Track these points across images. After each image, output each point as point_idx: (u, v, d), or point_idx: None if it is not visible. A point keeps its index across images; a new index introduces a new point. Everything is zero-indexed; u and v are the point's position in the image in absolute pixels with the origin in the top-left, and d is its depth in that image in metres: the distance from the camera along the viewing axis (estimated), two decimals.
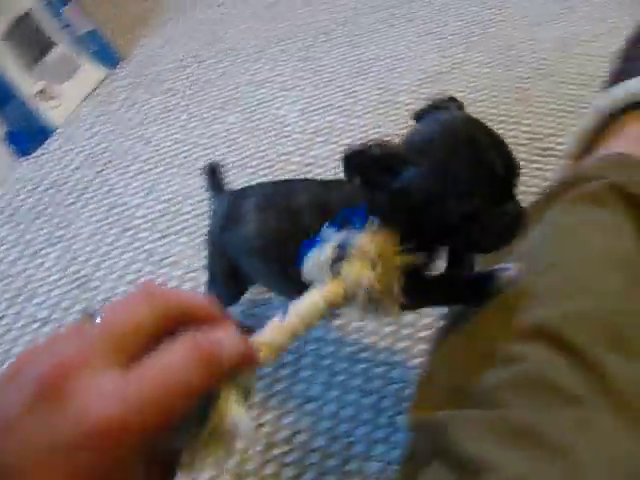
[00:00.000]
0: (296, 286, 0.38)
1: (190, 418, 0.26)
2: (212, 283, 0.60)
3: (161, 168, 0.84)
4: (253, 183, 0.58)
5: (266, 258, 0.53)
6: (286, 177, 0.81)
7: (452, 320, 0.48)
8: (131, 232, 0.77)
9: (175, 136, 0.89)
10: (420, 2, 1.15)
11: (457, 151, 0.40)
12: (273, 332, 0.32)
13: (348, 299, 0.36)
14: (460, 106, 0.45)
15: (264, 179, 0.81)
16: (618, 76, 0.72)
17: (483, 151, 0.40)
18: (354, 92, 0.96)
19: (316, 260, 0.36)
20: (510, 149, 0.41)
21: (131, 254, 0.74)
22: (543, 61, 0.98)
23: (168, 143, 0.88)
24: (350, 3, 1.17)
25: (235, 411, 0.27)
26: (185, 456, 0.27)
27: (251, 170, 0.83)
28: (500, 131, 0.40)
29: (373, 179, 0.40)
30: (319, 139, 0.88)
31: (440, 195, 0.40)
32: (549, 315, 0.39)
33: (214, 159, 0.63)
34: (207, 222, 0.59)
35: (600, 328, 0.38)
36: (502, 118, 0.87)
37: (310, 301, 0.34)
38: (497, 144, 0.41)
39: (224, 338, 0.27)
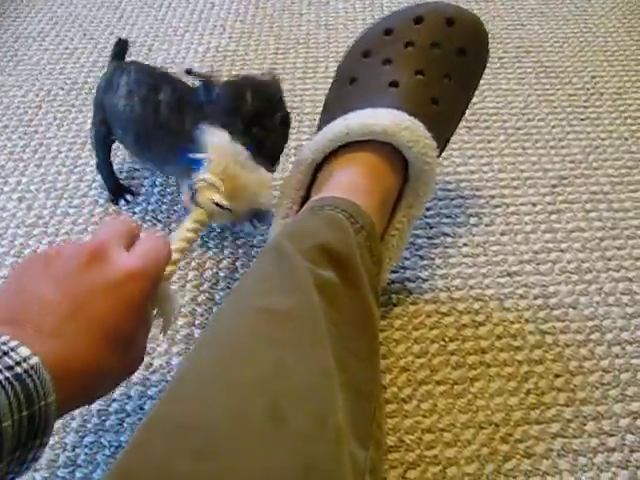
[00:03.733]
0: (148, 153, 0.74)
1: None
2: (95, 136, 0.80)
3: None
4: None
5: (128, 128, 0.73)
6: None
7: None
8: None
9: None
10: None
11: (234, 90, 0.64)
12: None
13: (211, 218, 0.53)
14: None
15: None
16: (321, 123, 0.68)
17: (245, 91, 0.62)
18: (79, 165, 0.88)
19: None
20: (267, 96, 0.63)
21: None
22: None
23: None
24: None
25: (169, 290, 0.46)
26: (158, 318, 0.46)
27: None
28: None
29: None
30: (36, 231, 0.79)
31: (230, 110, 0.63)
32: None
33: None
34: None
35: None
36: None
37: (186, 225, 0.51)
38: (258, 90, 0.63)
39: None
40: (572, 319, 0.68)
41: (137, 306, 0.39)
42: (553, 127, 0.92)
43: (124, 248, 0.41)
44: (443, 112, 0.65)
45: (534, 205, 0.80)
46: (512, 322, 0.67)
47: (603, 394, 0.62)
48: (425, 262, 0.73)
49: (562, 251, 0.75)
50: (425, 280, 0.71)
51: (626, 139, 0.91)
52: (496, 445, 0.58)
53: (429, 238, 0.76)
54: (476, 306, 0.69)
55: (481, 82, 0.96)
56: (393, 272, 0.71)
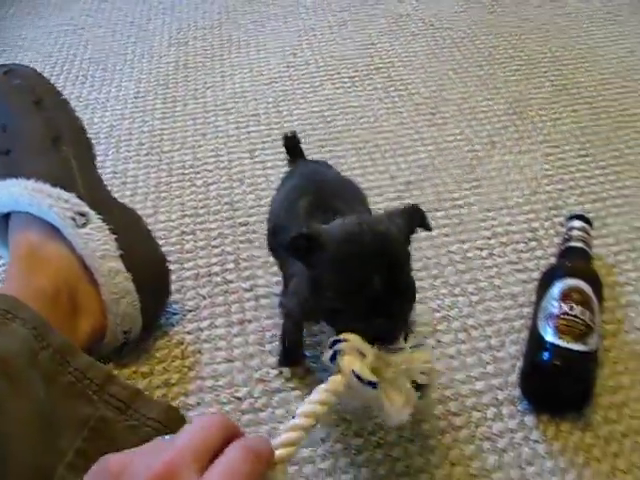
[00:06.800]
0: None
1: None
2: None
3: None
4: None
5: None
6: None
7: None
8: None
9: None
10: None
11: (347, 259, 0.47)
12: (289, 432, 0.40)
13: (349, 387, 0.45)
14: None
15: None
16: None
17: (368, 266, 0.46)
18: None
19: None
20: (403, 273, 0.48)
21: None
22: None
23: None
24: None
25: None
26: None
27: None
28: None
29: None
30: None
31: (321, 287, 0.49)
32: None
33: None
34: None
35: None
36: None
37: (317, 397, 0.43)
38: (390, 265, 0.47)
39: (259, 443, 0.37)
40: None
41: None
42: (401, 137, 0.97)
43: (199, 471, 0.34)
44: (15, 159, 0.68)
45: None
46: None
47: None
48: None
49: None
50: None
51: (470, 139, 0.97)
52: None
53: None
54: None
55: (325, 99, 1.03)
56: None
